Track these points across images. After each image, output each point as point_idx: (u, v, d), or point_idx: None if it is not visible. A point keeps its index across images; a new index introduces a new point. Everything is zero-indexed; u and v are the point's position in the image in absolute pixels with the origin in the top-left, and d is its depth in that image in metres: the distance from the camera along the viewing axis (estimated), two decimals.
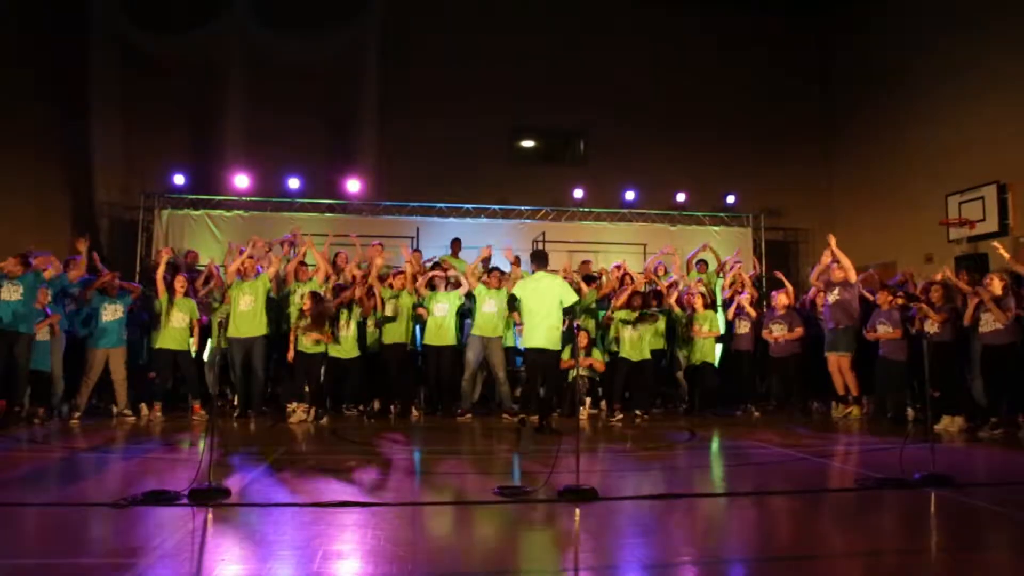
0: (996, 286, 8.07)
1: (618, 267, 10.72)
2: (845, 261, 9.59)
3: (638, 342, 9.34)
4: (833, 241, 9.76)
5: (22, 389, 8.11)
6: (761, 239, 14.32)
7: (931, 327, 8.34)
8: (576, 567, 3.56)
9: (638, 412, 9.30)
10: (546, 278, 8.02)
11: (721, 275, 11.73)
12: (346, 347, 9.08)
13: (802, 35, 15.72)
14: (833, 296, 9.50)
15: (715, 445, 7.52)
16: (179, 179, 13.00)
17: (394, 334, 9.29)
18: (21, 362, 8.00)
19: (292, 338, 8.79)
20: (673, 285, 10.63)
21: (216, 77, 13.56)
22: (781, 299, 9.88)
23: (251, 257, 9.35)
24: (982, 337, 8.12)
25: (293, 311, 9.16)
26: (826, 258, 9.76)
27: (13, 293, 7.96)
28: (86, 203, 13.15)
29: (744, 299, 10.11)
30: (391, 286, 9.49)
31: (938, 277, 8.88)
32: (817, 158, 15.54)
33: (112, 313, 8.78)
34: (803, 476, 5.83)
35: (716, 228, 14.30)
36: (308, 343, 8.74)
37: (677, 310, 10.12)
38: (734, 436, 7.97)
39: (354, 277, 9.65)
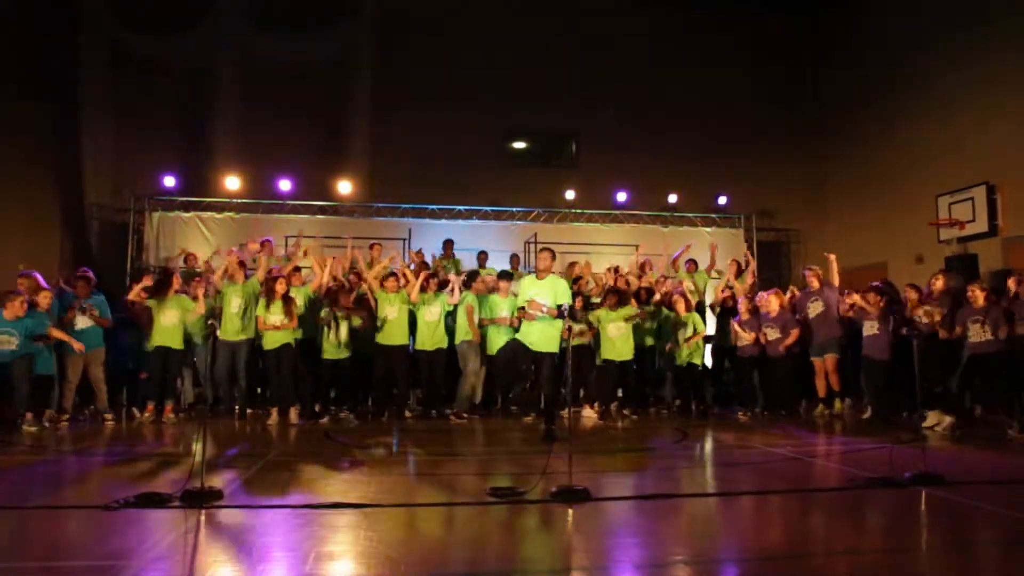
0: (979, 297, 8.18)
1: (612, 270, 10.74)
2: (835, 280, 9.68)
3: (622, 342, 9.34)
4: (834, 260, 9.75)
5: (19, 401, 8.08)
6: (753, 240, 14.37)
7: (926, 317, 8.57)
8: (569, 567, 3.56)
9: (626, 412, 9.34)
10: (549, 279, 7.76)
11: (714, 274, 11.79)
12: (338, 348, 9.07)
13: (794, 37, 15.80)
14: (815, 309, 9.52)
15: (707, 446, 7.53)
16: (170, 181, 12.96)
17: (394, 336, 9.23)
18: (18, 379, 8.05)
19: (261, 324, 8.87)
20: (660, 282, 10.68)
21: (207, 78, 13.53)
22: (772, 302, 9.75)
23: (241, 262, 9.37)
24: (971, 347, 8.19)
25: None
26: (815, 282, 9.73)
27: (8, 344, 8.01)
28: (76, 205, 13.11)
29: (743, 304, 10.03)
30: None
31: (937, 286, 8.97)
32: (809, 159, 15.60)
33: (83, 322, 8.73)
34: (795, 476, 5.84)
35: (708, 229, 14.36)
36: (271, 338, 8.75)
37: (664, 310, 10.13)
38: (725, 437, 7.99)
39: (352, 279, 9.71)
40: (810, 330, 9.63)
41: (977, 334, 8.11)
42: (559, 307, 7.19)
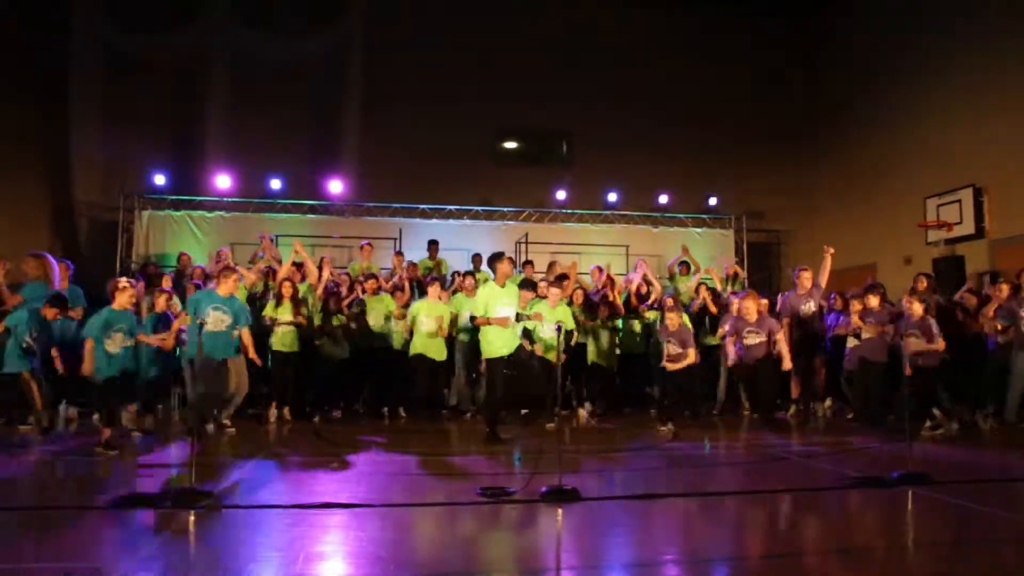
0: (916, 309, 8.09)
1: (600, 269, 10.70)
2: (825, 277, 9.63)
3: (609, 352, 9.30)
4: (830, 255, 9.56)
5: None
6: (743, 240, 14.43)
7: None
8: (558, 567, 3.58)
9: (604, 413, 9.32)
10: (509, 285, 7.82)
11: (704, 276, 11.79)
12: (337, 347, 9.09)
13: (784, 39, 15.86)
14: (808, 309, 9.43)
15: (696, 446, 7.56)
16: (160, 179, 12.90)
17: (377, 339, 9.22)
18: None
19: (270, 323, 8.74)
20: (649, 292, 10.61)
21: (198, 77, 13.48)
22: (750, 308, 8.81)
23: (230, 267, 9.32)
24: (912, 357, 7.89)
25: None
26: (807, 282, 9.46)
27: (220, 323, 7.29)
28: (66, 203, 13.03)
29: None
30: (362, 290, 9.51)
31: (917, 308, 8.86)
32: (799, 161, 15.68)
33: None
34: (783, 476, 5.89)
35: (698, 230, 14.40)
36: (283, 340, 8.76)
37: (650, 315, 9.97)
38: (714, 437, 8.03)
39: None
40: (800, 329, 9.55)
41: (917, 345, 7.95)
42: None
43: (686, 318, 9.16)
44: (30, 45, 12.81)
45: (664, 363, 8.58)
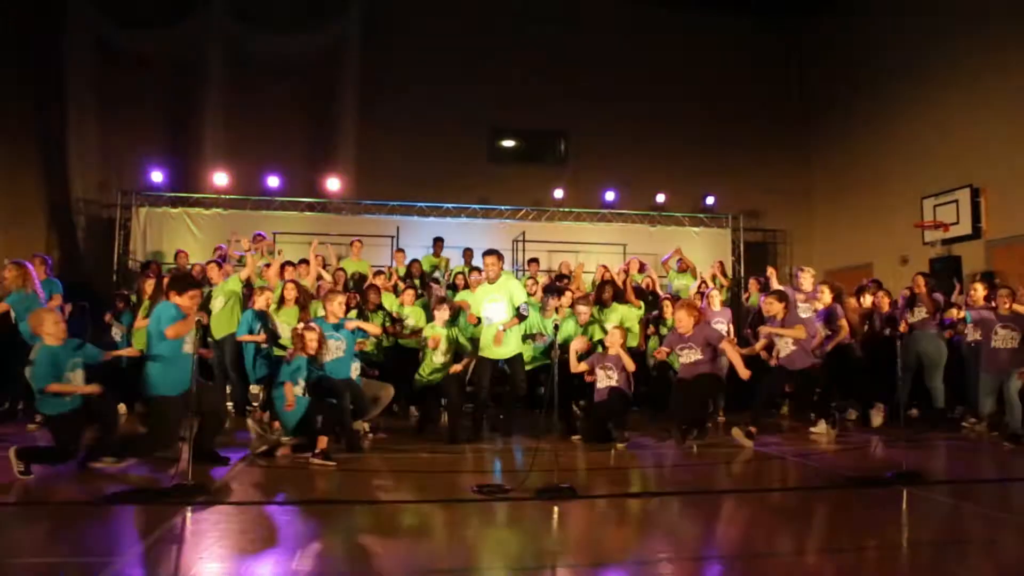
0: (776, 308, 7.65)
1: (605, 267, 10.72)
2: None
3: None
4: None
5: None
6: (740, 240, 14.44)
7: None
8: (554, 565, 3.60)
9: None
10: (500, 281, 7.57)
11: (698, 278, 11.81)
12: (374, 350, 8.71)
13: (781, 38, 15.87)
14: (806, 310, 9.37)
15: (691, 445, 7.57)
16: (157, 176, 12.85)
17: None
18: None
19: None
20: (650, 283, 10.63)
21: (195, 73, 13.44)
22: (682, 318, 7.30)
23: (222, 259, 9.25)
24: (780, 361, 7.70)
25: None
26: (807, 284, 9.16)
27: (337, 351, 7.03)
28: (63, 201, 12.99)
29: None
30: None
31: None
32: (796, 160, 15.69)
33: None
34: (778, 475, 5.90)
35: (696, 229, 14.40)
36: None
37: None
38: (709, 437, 8.02)
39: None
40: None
41: (784, 347, 7.60)
42: (518, 311, 7.20)
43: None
44: (28, 43, 12.77)
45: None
